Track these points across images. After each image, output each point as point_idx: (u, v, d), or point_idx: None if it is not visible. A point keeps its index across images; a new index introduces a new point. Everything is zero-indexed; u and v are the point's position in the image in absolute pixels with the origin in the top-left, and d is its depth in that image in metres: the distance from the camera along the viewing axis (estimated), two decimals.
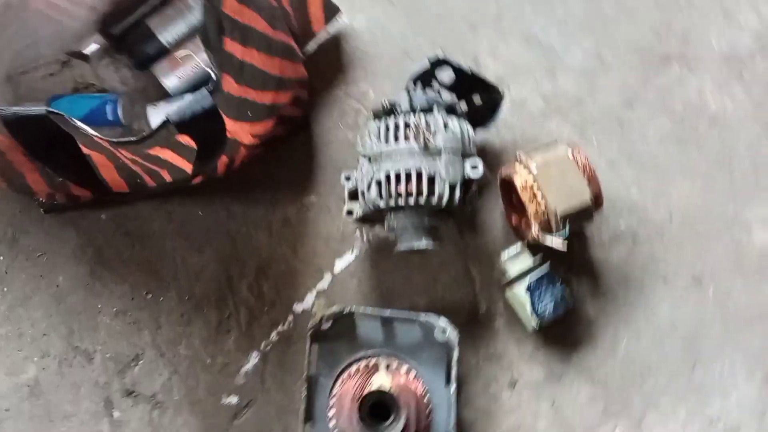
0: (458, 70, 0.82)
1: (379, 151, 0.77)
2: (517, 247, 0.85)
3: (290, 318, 0.87)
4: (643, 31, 0.94)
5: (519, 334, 0.87)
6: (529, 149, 0.82)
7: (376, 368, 0.75)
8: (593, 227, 0.88)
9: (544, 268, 0.83)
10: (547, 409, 0.85)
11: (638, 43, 0.94)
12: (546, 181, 0.79)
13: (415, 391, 0.75)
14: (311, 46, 0.92)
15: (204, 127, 0.57)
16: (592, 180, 0.80)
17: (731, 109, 0.92)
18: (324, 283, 0.88)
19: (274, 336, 0.86)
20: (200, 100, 0.54)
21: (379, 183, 0.76)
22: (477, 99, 0.85)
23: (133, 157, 0.64)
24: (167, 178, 0.71)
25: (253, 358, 0.86)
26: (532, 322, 0.83)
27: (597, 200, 0.80)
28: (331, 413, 0.75)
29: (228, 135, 0.67)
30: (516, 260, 0.85)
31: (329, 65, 0.93)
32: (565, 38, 0.94)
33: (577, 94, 0.93)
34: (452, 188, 0.76)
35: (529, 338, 0.87)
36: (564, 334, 0.87)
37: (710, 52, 0.93)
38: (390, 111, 0.79)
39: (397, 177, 0.76)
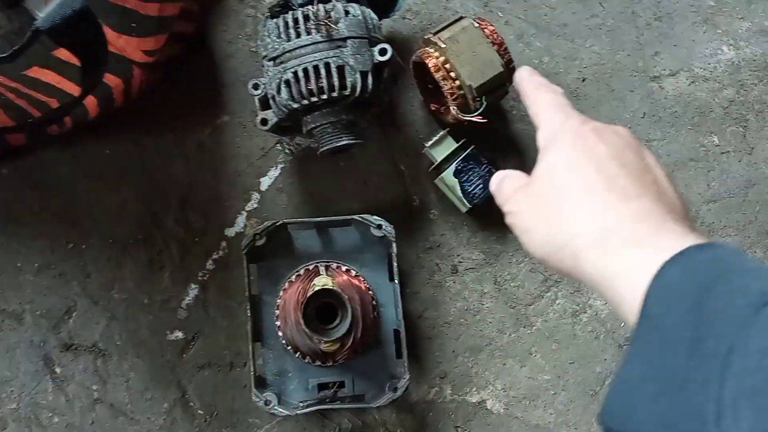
0: None
1: (281, 50, 0.73)
2: (439, 133, 0.84)
3: (223, 244, 0.84)
4: None
5: (454, 221, 0.87)
6: (435, 30, 0.80)
7: (316, 271, 0.74)
8: (510, 101, 0.88)
9: (469, 150, 0.83)
10: (490, 288, 0.86)
11: None
12: (457, 57, 0.78)
13: (359, 286, 0.75)
14: None
15: (80, 36, 0.52)
16: (501, 48, 0.79)
17: None
18: (253, 203, 0.85)
19: (210, 264, 0.84)
20: (68, 2, 0.50)
21: (288, 83, 0.73)
22: None
23: (15, 86, 0.59)
24: (54, 104, 0.66)
25: (192, 290, 0.83)
26: (464, 205, 0.83)
27: (509, 68, 0.79)
28: (277, 325, 0.74)
29: (114, 50, 0.62)
30: (440, 146, 0.84)
31: None
32: None
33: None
34: (364, 76, 0.73)
35: (465, 223, 0.87)
36: (497, 214, 0.85)
37: None
38: (285, 5, 0.76)
39: (305, 73, 0.73)
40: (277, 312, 0.74)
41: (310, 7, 0.74)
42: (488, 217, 0.87)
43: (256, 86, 0.77)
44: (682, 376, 0.29)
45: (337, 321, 0.72)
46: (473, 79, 0.77)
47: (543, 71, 0.89)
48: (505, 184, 0.50)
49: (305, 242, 0.81)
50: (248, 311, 0.77)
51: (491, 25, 0.80)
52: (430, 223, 0.87)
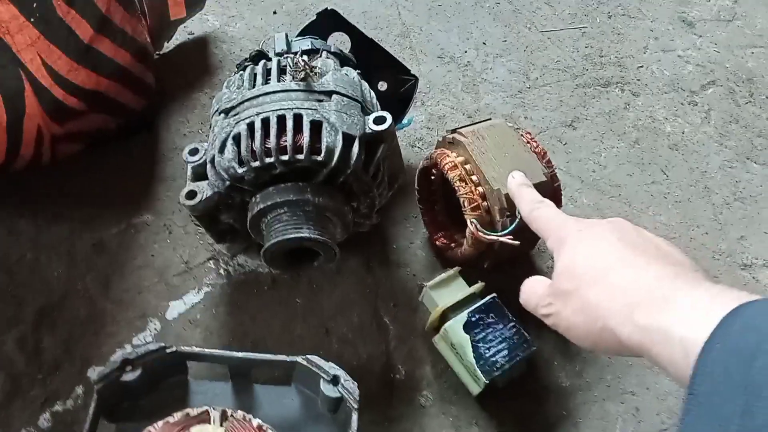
0: (356, 36, 0.63)
1: (239, 98, 0.53)
2: (447, 272, 0.57)
3: (80, 390, 0.52)
4: (572, 56, 0.80)
5: (459, 413, 0.54)
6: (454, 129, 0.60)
7: (203, 419, 0.40)
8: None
9: (489, 298, 0.55)
10: None
11: (569, 66, 0.79)
12: (481, 155, 0.55)
13: None
14: (168, 44, 0.72)
15: None
16: (544, 159, 0.57)
17: (691, 134, 0.75)
18: (147, 335, 0.55)
19: (45, 420, 0.50)
20: None
21: (236, 139, 0.51)
22: (383, 86, 0.65)
23: None
24: None
25: None
26: (476, 380, 0.52)
27: (554, 186, 0.56)
28: None
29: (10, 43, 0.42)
30: (446, 288, 0.56)
31: (192, 66, 0.72)
32: (483, 58, 0.78)
33: (505, 111, 0.74)
34: (348, 141, 0.51)
35: (476, 421, 0.54)
36: (528, 414, 0.55)
37: (653, 78, 0.79)
38: (259, 56, 0.57)
39: (264, 124, 0.50)
40: None
41: (290, 56, 0.55)
42: (514, 414, 0.55)
43: (194, 151, 0.54)
44: None
45: None
46: (503, 183, 0.54)
47: None
48: (531, 289, 0.48)
49: (211, 399, 0.49)
50: None
51: (530, 134, 0.59)
52: (419, 412, 0.54)
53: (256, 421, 0.42)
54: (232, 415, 0.41)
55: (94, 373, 0.52)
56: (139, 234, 0.60)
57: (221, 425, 0.40)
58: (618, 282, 0.39)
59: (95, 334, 0.54)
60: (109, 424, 0.47)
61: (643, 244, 0.42)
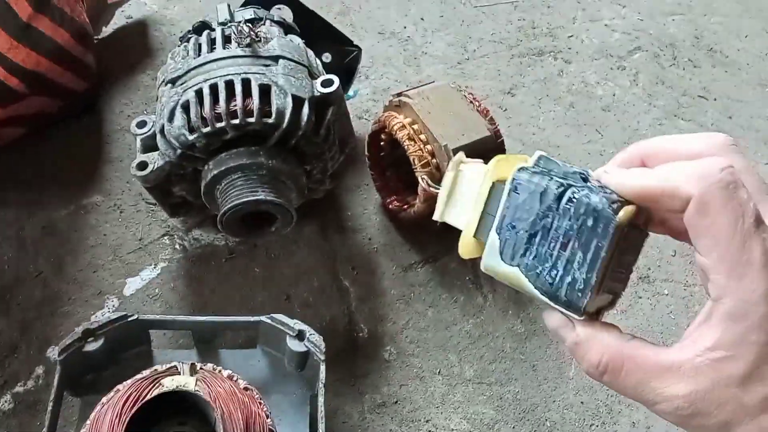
0: (297, 7, 0.64)
1: (186, 67, 0.53)
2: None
3: (39, 371, 0.51)
4: (507, 28, 0.83)
5: (423, 365, 0.56)
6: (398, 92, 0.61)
7: (173, 372, 0.40)
8: None
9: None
10: None
11: (504, 38, 0.82)
12: (427, 115, 0.57)
13: (253, 409, 0.41)
14: (107, 29, 0.72)
15: None
16: (487, 117, 0.59)
17: (622, 96, 0.79)
18: (106, 312, 0.54)
19: (6, 402, 0.49)
20: None
21: (185, 107, 0.51)
22: (327, 57, 0.66)
23: None
24: None
25: None
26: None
27: (498, 142, 0.59)
28: None
29: None
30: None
31: (132, 49, 0.71)
32: (422, 33, 0.81)
33: (447, 82, 0.76)
34: (297, 103, 0.51)
35: (441, 371, 0.56)
36: (492, 360, 0.57)
37: (583, 47, 0.83)
38: (202, 27, 0.57)
39: (212, 90, 0.50)
40: None
41: (234, 24, 0.55)
42: (475, 360, 0.56)
43: (142, 123, 0.54)
44: None
45: None
46: (450, 139, 0.56)
47: None
48: (603, 359, 0.30)
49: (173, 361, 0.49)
50: None
51: (472, 94, 0.61)
52: (384, 366, 0.56)
53: (226, 372, 0.42)
54: (201, 368, 0.41)
55: (54, 351, 0.51)
56: (89, 215, 0.59)
57: (191, 374, 0.40)
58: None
59: (52, 315, 0.53)
60: (73, 399, 0.47)
61: None
